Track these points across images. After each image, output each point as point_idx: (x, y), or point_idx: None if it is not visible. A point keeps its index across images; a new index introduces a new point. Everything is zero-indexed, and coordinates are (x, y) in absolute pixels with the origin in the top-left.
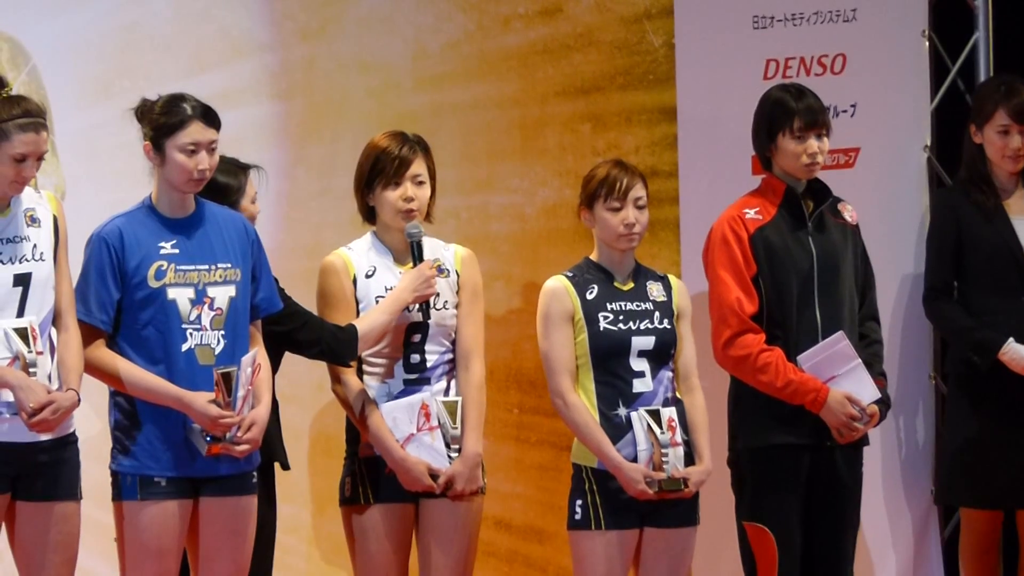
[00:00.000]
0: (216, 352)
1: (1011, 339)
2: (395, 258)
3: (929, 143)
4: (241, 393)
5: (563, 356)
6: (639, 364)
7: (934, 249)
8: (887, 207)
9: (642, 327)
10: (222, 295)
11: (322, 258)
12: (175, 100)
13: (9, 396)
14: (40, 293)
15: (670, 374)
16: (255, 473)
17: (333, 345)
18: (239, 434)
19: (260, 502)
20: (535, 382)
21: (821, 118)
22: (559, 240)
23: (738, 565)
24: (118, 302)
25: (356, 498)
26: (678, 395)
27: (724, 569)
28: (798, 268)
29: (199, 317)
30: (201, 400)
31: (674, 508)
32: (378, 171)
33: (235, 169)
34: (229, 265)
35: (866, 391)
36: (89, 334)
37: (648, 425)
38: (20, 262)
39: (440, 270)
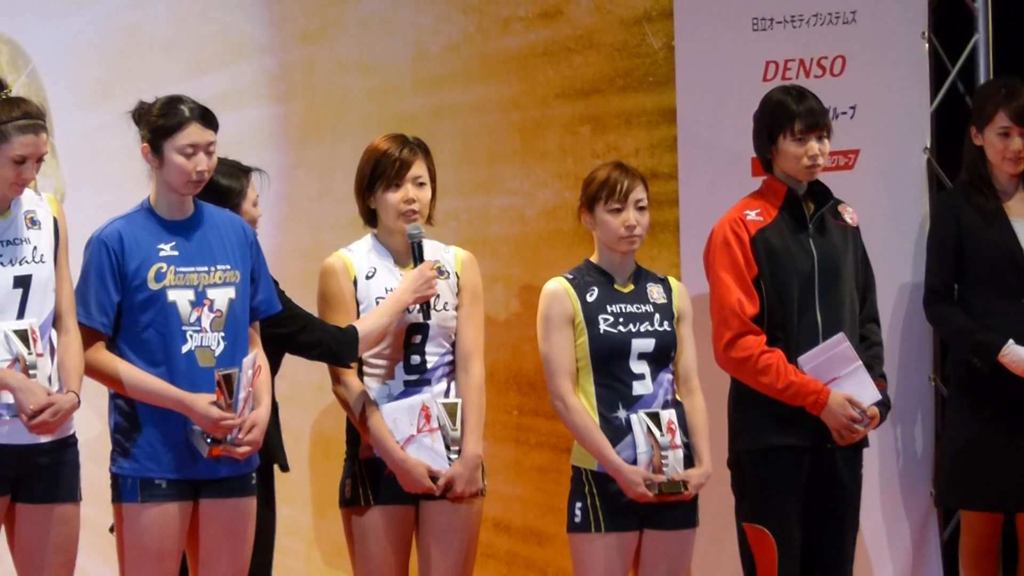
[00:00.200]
0: (216, 354)
1: (1011, 341)
2: (395, 260)
3: (929, 145)
4: (242, 395)
5: (563, 358)
6: (639, 366)
7: (934, 251)
8: (887, 209)
9: (642, 329)
10: (222, 297)
11: (322, 260)
12: (173, 102)
13: (9, 398)
14: (40, 295)
15: (670, 376)
16: (254, 475)
17: (334, 346)
18: (240, 436)
19: (259, 504)
20: (535, 384)
21: (822, 120)
22: (559, 242)
23: (738, 567)
24: (118, 304)
25: (356, 500)
26: (678, 397)
27: (723, 571)
28: (799, 270)
29: (199, 319)
30: (202, 402)
31: (674, 510)
32: (379, 173)
33: (236, 172)
34: (228, 267)
35: (867, 393)
36: (89, 337)
37: (648, 428)
38: (20, 264)
39: (440, 272)
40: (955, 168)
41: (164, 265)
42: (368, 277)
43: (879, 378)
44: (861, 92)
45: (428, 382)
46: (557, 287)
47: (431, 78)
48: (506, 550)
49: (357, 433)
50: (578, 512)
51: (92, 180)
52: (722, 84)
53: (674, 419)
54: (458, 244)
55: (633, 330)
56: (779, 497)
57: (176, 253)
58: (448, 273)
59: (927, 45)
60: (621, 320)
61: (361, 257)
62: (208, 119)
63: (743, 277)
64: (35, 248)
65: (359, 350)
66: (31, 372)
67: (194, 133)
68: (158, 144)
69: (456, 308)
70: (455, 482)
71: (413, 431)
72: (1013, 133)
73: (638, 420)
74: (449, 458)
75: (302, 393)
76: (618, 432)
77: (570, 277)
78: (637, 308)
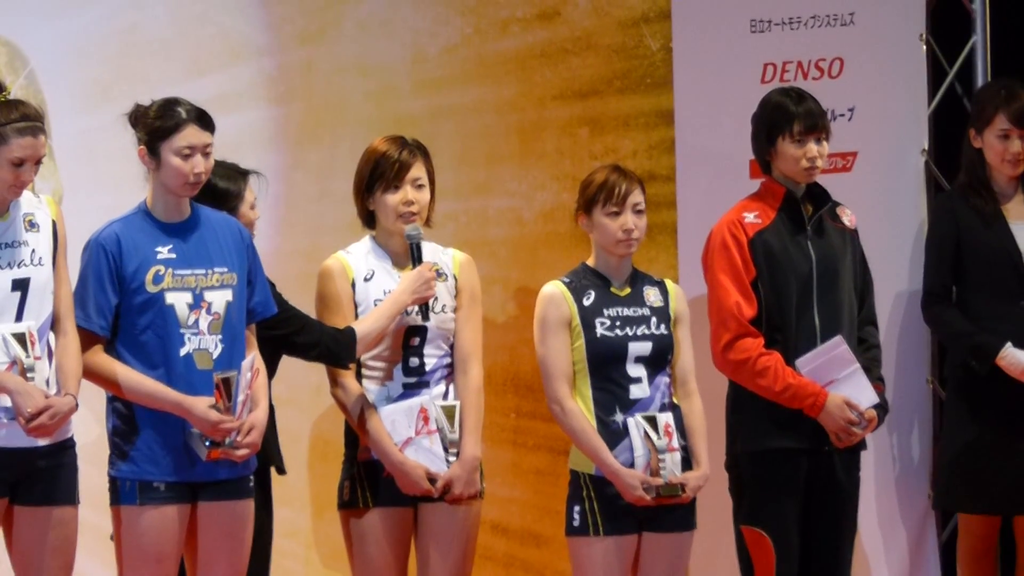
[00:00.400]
0: (214, 356)
1: (1009, 344)
2: (394, 262)
3: (927, 147)
4: (241, 397)
5: (560, 362)
6: (636, 370)
7: (933, 254)
8: (885, 211)
9: (639, 332)
10: (219, 299)
11: (320, 262)
12: (169, 104)
13: (7, 401)
14: (39, 298)
15: (667, 379)
16: (252, 477)
17: (332, 346)
18: (239, 438)
19: (256, 507)
20: (532, 386)
21: (821, 122)
22: (557, 244)
23: (736, 569)
24: (116, 307)
25: (355, 502)
26: (675, 400)
27: (721, 573)
28: (797, 272)
29: (197, 321)
30: (201, 405)
31: (672, 513)
32: (378, 175)
33: (235, 174)
34: (226, 269)
35: (864, 396)
36: (87, 339)
37: (645, 431)
38: (19, 267)
39: (438, 274)
40: (953, 170)
41: (162, 268)
42: (366, 279)
43: (877, 380)
44: (859, 94)
45: (427, 384)
46: (554, 290)
47: (429, 80)
48: (504, 552)
49: (355, 435)
50: (576, 516)
51: (90, 182)
52: (720, 86)
53: (671, 422)
54: (456, 246)
55: (630, 333)
56: (777, 500)
57: (174, 256)
58: (446, 275)
59: (925, 47)
60: (618, 323)
61: (359, 259)
62: (205, 121)
63: (741, 279)
64: (33, 251)
65: (357, 351)
66: (29, 375)
67: (191, 135)
68: (155, 146)
69: (454, 310)
70: (453, 484)
71: (411, 433)
72: (1012, 135)
73: (635, 424)
74: (447, 460)
75: (300, 395)
76: (615, 436)
77: (567, 280)
78: (634, 311)
